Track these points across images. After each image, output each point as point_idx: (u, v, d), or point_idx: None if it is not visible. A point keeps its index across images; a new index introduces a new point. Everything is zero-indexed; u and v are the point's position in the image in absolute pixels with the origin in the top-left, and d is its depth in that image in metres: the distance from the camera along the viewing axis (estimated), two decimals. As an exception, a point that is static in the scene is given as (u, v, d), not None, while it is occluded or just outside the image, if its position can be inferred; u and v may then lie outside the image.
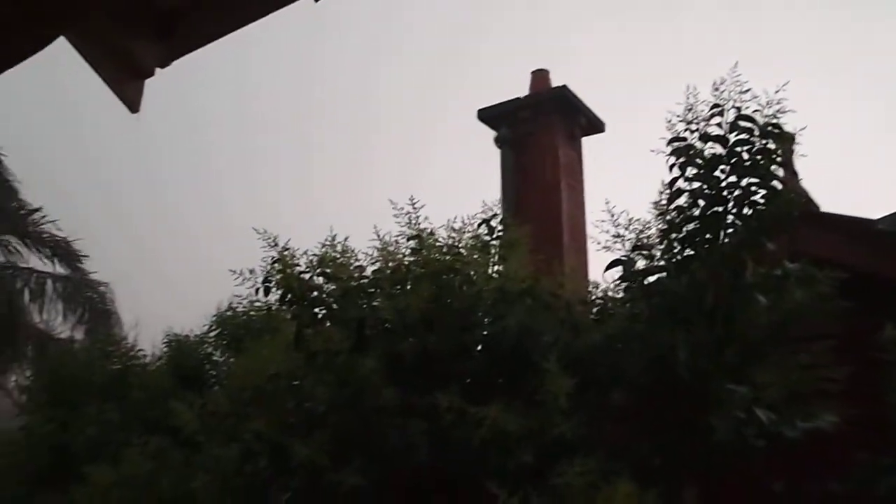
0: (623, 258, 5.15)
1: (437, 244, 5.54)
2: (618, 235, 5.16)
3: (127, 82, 2.12)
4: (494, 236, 5.83)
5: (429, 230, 5.58)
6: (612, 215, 5.18)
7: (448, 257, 5.47)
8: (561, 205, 7.21)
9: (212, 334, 8.04)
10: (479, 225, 5.80)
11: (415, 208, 5.57)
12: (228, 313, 8.02)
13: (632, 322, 5.23)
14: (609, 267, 5.15)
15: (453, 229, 5.66)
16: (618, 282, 5.22)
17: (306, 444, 4.94)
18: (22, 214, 10.85)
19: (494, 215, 5.95)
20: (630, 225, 5.19)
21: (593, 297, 5.88)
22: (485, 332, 5.33)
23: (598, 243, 5.16)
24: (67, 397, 8.29)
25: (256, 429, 5.20)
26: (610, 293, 5.72)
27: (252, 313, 7.79)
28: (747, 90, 4.95)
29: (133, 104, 2.10)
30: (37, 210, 11.02)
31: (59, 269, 11.06)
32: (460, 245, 5.62)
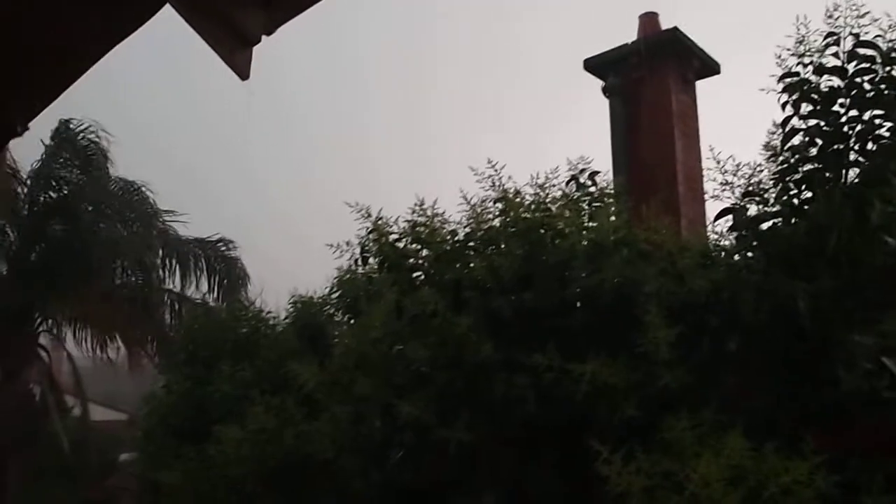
0: (733, 206, 4.86)
1: (524, 203, 5.43)
2: (726, 183, 4.87)
3: (235, 50, 2.12)
4: (585, 191, 5.66)
5: (514, 190, 5.47)
6: (719, 162, 4.88)
7: (537, 214, 5.35)
8: (675, 154, 6.84)
9: (334, 296, 8.27)
10: (569, 182, 5.63)
11: (496, 171, 5.45)
12: (347, 276, 8.22)
13: (744, 271, 4.96)
14: (718, 216, 4.88)
15: (539, 186, 5.51)
16: (729, 231, 4.94)
17: (413, 403, 5.01)
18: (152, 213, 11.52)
19: (583, 170, 5.75)
20: (738, 171, 4.88)
21: (702, 246, 5.60)
22: (582, 287, 5.18)
23: (707, 192, 4.89)
24: (203, 357, 8.83)
25: (363, 392, 5.31)
26: (722, 242, 5.44)
27: (371, 276, 7.94)
28: (865, 13, 4.49)
29: (242, 72, 2.11)
30: (170, 211, 11.67)
31: (191, 235, 11.71)
32: (548, 201, 5.48)
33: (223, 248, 11.89)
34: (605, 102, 7.56)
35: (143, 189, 11.47)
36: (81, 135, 11.06)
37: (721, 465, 4.23)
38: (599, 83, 7.64)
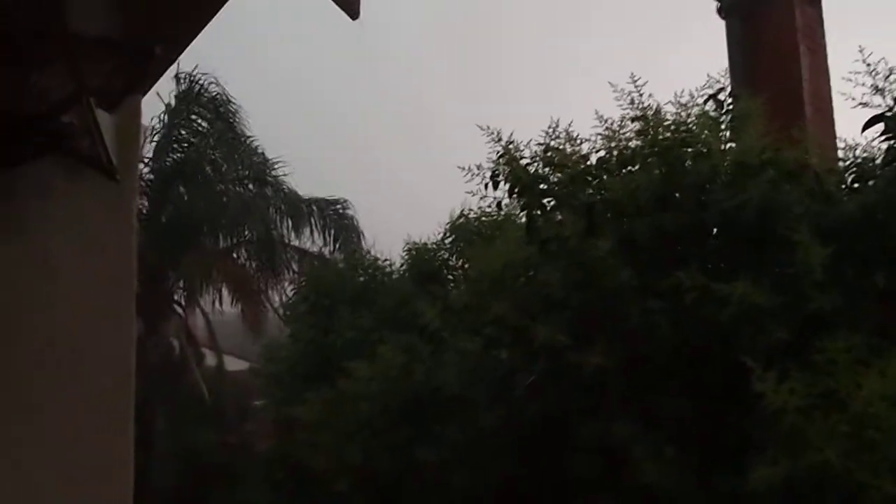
0: (886, 114, 4.48)
1: (664, 122, 5.19)
2: (877, 88, 4.48)
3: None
4: (724, 111, 5.36)
5: (653, 109, 5.23)
6: (869, 65, 4.50)
7: (676, 134, 5.11)
8: (800, 72, 6.40)
9: (447, 241, 8.28)
10: (707, 100, 5.34)
11: (637, 88, 5.23)
12: (461, 220, 8.20)
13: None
14: (868, 124, 4.51)
15: (680, 105, 5.26)
16: (881, 139, 4.56)
17: (546, 326, 4.91)
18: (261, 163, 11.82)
19: (722, 89, 5.45)
20: (892, 74, 4.49)
21: (845, 165, 5.23)
22: (723, 209, 4.92)
23: (853, 99, 4.52)
24: (324, 307, 9.05)
25: (498, 315, 5.25)
26: (865, 157, 5.05)
27: (483, 219, 7.90)
28: None
29: (353, 10, 2.02)
30: (282, 164, 11.94)
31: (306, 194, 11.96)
32: (688, 121, 5.22)
33: (338, 207, 12.11)
34: (720, 24, 7.16)
35: (259, 146, 11.77)
36: (206, 90, 11.42)
37: (887, 385, 3.92)
38: (713, 3, 7.25)
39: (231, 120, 11.63)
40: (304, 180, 12.63)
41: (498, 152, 5.28)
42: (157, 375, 10.52)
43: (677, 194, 5.00)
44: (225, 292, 11.74)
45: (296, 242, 12.14)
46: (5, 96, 1.63)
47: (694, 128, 5.09)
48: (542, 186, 5.28)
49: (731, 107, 5.26)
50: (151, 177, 11.94)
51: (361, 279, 9.18)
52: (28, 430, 1.49)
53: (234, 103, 11.60)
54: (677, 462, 4.41)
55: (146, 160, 11.62)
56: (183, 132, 11.81)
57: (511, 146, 5.25)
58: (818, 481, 3.76)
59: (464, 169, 5.36)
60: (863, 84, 4.52)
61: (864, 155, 5.01)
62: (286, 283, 11.75)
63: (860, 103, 4.51)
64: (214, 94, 11.52)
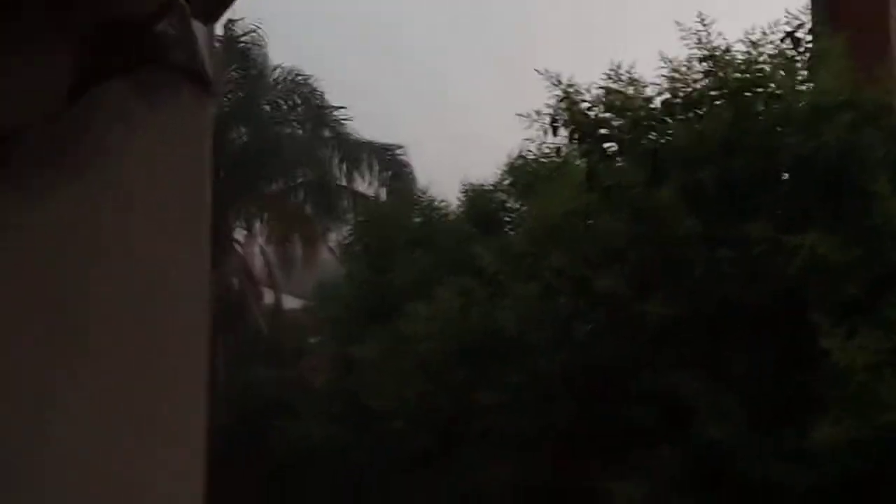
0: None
1: (734, 62, 4.97)
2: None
3: None
4: (802, 49, 5.10)
5: (723, 48, 5.02)
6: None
7: (747, 75, 4.91)
8: (887, 6, 6.02)
9: (505, 183, 8.19)
10: (784, 38, 5.08)
11: (705, 26, 5.01)
12: (519, 162, 8.08)
13: None
14: None
15: (752, 43, 5.02)
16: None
17: (607, 275, 4.87)
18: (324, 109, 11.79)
19: (800, 25, 5.17)
20: None
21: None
22: (796, 154, 4.74)
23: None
24: (380, 247, 9.12)
25: (557, 264, 5.22)
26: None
27: (542, 160, 7.78)
28: None
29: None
30: (341, 107, 11.90)
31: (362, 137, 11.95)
32: (761, 60, 5.00)
33: (393, 152, 12.09)
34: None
35: (311, 83, 11.73)
36: (242, 35, 11.41)
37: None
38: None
39: (266, 61, 11.58)
40: (366, 124, 12.55)
41: (558, 97, 5.18)
42: (218, 312, 10.84)
43: (747, 139, 4.82)
44: (282, 232, 11.95)
45: (352, 185, 12.19)
46: (97, 3, 1.62)
47: (766, 68, 4.88)
48: (603, 131, 5.18)
49: (809, 45, 4.99)
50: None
51: (417, 220, 9.21)
52: (105, 364, 1.54)
53: (265, 42, 11.55)
54: (740, 417, 4.38)
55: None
56: (241, 70, 11.85)
57: (571, 90, 5.12)
58: (887, 441, 3.70)
59: (525, 115, 5.27)
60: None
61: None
62: (342, 225, 11.86)
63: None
64: (252, 34, 11.47)
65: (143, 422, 1.61)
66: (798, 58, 5.02)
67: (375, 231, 9.17)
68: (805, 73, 5.04)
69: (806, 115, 4.80)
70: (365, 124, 12.35)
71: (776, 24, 4.92)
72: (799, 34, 5.02)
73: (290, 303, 12.48)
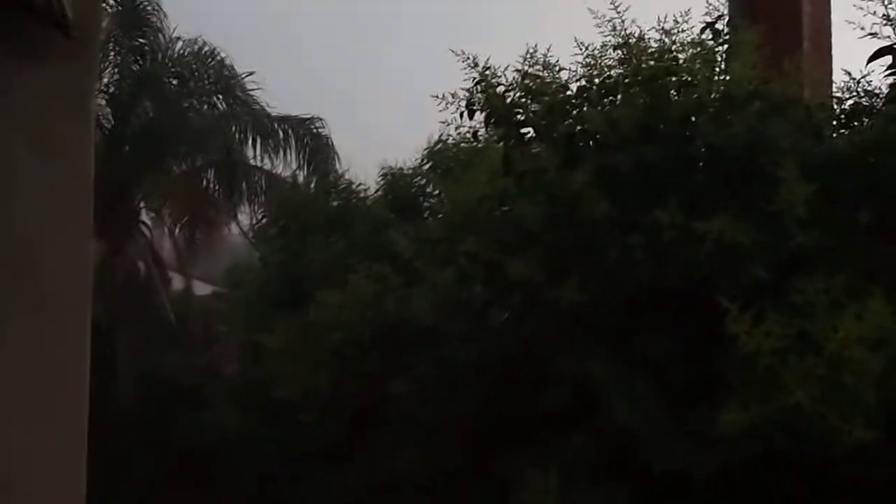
0: (894, 45, 4.36)
1: (648, 50, 5.01)
2: (888, 17, 4.34)
3: None
4: (720, 41, 5.18)
5: (636, 35, 5.05)
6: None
7: (662, 63, 4.95)
8: (800, 3, 6.21)
9: (424, 167, 8.15)
10: (703, 29, 5.16)
11: (619, 13, 5.03)
12: (439, 146, 8.04)
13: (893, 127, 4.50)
14: (875, 56, 4.39)
15: (665, 31, 5.07)
16: (886, 73, 4.44)
17: (521, 262, 4.85)
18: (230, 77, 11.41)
19: (720, 17, 5.25)
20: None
21: (840, 101, 5.11)
22: (708, 142, 4.82)
23: (861, 29, 4.37)
24: (295, 231, 8.92)
25: (471, 250, 5.18)
26: (867, 92, 4.92)
27: (462, 144, 7.75)
28: None
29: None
30: (250, 73, 11.52)
31: (275, 112, 11.64)
32: (675, 49, 5.05)
33: (312, 127, 11.82)
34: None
35: (219, 54, 11.33)
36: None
37: (863, 327, 3.93)
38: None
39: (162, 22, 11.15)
40: (280, 101, 12.23)
41: (474, 79, 5.11)
42: (123, 297, 10.43)
43: (661, 126, 4.88)
44: (191, 215, 11.56)
45: (266, 164, 11.89)
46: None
47: (681, 57, 4.93)
48: (519, 116, 5.13)
49: (726, 37, 5.08)
50: (114, 90, 11.53)
51: (335, 203, 9.04)
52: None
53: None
54: (650, 401, 4.44)
55: (110, 69, 11.18)
56: (142, 41, 11.35)
57: (488, 72, 5.07)
58: (789, 425, 3.80)
59: (439, 97, 5.18)
60: (873, 13, 4.37)
61: (866, 90, 4.88)
62: (255, 206, 11.58)
63: (869, 34, 4.37)
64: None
65: (18, 409, 1.46)
66: (717, 49, 5.08)
67: (290, 213, 8.97)
68: (720, 64, 5.12)
69: (718, 104, 4.88)
70: (281, 97, 12.07)
71: (688, 12, 4.97)
72: (719, 25, 5.09)
73: (201, 289, 12.13)
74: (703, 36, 5.15)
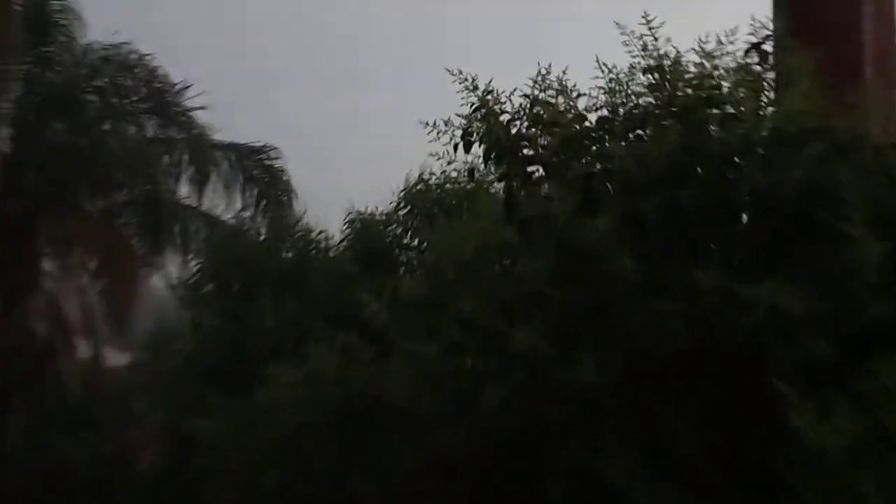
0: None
1: (685, 75, 5.15)
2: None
3: None
4: (767, 65, 5.34)
5: (671, 57, 5.19)
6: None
7: (702, 91, 5.08)
8: (860, 22, 6.41)
9: (401, 212, 8.22)
10: (748, 51, 5.32)
11: (651, 30, 5.17)
12: (419, 187, 8.14)
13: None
14: None
15: (706, 54, 5.22)
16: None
17: (526, 329, 4.86)
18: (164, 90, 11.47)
19: (767, 37, 5.42)
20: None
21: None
22: (756, 186, 4.91)
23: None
24: (239, 287, 8.92)
25: (463, 313, 5.20)
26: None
27: (447, 186, 7.85)
28: None
29: None
30: (188, 86, 11.59)
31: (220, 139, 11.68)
32: (717, 75, 5.19)
33: (265, 158, 11.88)
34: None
35: (153, 64, 11.38)
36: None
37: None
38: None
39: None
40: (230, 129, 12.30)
41: (472, 105, 5.19)
42: (16, 363, 10.30)
43: (699, 167, 4.96)
44: (107, 264, 11.52)
45: (204, 203, 11.93)
46: None
47: (725, 85, 5.05)
48: (526, 150, 5.21)
49: (775, 61, 5.23)
50: (16, 108, 11.58)
51: (289, 255, 9.10)
52: None
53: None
54: (685, 508, 4.43)
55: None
56: (50, 49, 11.43)
57: (490, 97, 5.16)
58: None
59: (428, 124, 5.27)
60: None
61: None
62: (188, 256, 11.56)
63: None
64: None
65: None
66: (764, 75, 5.23)
67: (232, 266, 9.01)
68: (771, 93, 5.25)
69: (768, 143, 4.99)
70: (232, 124, 12.10)
71: (734, 32, 5.11)
72: (766, 46, 5.24)
73: (114, 357, 12.00)
74: (748, 59, 5.30)
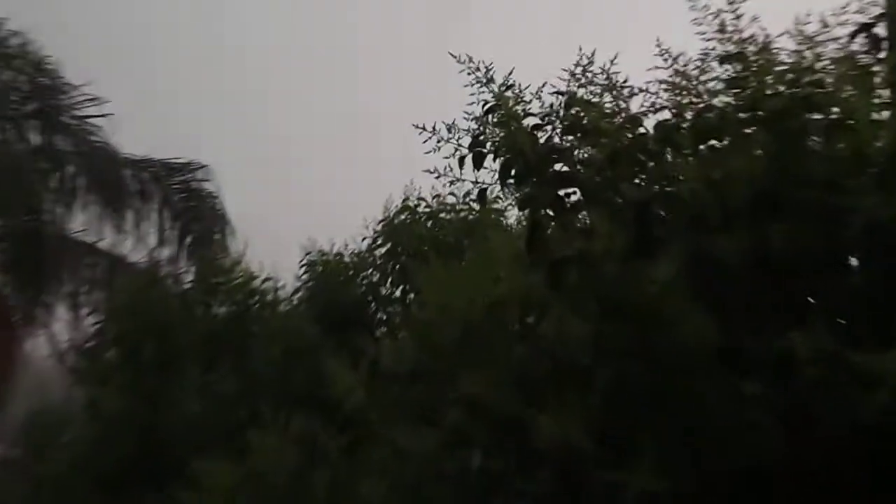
0: None
1: (778, 67, 5.21)
2: None
3: None
4: (882, 54, 5.42)
5: (760, 43, 5.27)
6: None
7: (797, 90, 5.14)
8: None
9: (378, 251, 8.28)
10: (854, 35, 5.39)
11: (732, 5, 5.26)
12: (404, 217, 8.20)
13: None
14: None
15: (806, 39, 5.29)
16: None
17: (557, 417, 4.88)
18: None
19: (881, 15, 5.51)
20: None
21: None
22: (872, 220, 4.95)
23: None
24: (153, 355, 8.91)
25: (469, 392, 5.20)
26: None
27: (443, 215, 7.90)
28: None
29: None
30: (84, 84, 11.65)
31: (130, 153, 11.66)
32: (818, 66, 5.27)
33: (190, 179, 11.93)
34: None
35: (39, 55, 11.41)
36: None
37: None
38: None
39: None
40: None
41: (486, 104, 5.26)
42: None
43: (795, 192, 5.00)
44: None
45: (105, 237, 11.97)
46: None
47: (827, 80, 5.10)
48: (559, 167, 5.26)
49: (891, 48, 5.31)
50: None
51: (223, 309, 9.15)
52: None
53: None
54: None
55: None
56: None
57: (510, 94, 5.23)
58: None
59: (423, 129, 5.33)
60: None
61: None
62: (81, 309, 11.59)
63: None
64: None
65: None
66: (876, 67, 5.29)
67: (145, 326, 9.03)
68: (886, 91, 5.32)
69: (889, 161, 5.04)
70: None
71: (845, 7, 5.17)
72: (878, 30, 5.31)
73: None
74: (855, 46, 5.37)
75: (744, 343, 4.84)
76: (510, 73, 5.33)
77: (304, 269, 8.80)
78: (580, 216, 5.31)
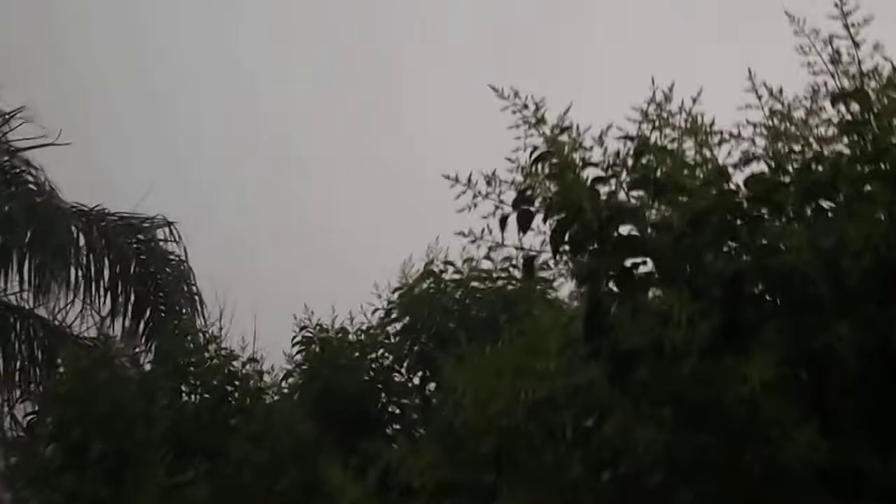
0: None
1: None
2: None
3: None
4: None
5: (885, 77, 5.29)
6: None
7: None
8: None
9: (392, 327, 8.32)
10: None
11: (848, 29, 5.27)
12: (426, 286, 8.24)
13: None
14: None
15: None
16: None
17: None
18: None
19: None
20: None
21: None
22: None
23: None
24: (105, 458, 8.95)
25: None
26: None
27: (476, 284, 7.94)
28: None
29: None
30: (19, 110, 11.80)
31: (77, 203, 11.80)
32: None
33: (152, 237, 12.04)
34: None
35: None
36: None
37: None
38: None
39: None
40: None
41: (534, 149, 5.30)
42: None
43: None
44: None
45: (42, 304, 12.07)
46: None
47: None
48: (626, 229, 5.31)
49: None
50: None
51: (194, 398, 9.19)
52: None
53: None
54: None
55: None
56: None
57: (566, 138, 5.27)
58: None
59: (452, 179, 5.40)
60: None
61: None
62: (16, 396, 11.68)
63: None
64: None
65: None
66: None
67: (94, 420, 9.07)
68: None
69: None
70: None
71: None
72: None
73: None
74: None
75: (861, 463, 4.83)
76: (566, 112, 5.37)
77: (297, 347, 8.78)
78: (652, 294, 5.31)
